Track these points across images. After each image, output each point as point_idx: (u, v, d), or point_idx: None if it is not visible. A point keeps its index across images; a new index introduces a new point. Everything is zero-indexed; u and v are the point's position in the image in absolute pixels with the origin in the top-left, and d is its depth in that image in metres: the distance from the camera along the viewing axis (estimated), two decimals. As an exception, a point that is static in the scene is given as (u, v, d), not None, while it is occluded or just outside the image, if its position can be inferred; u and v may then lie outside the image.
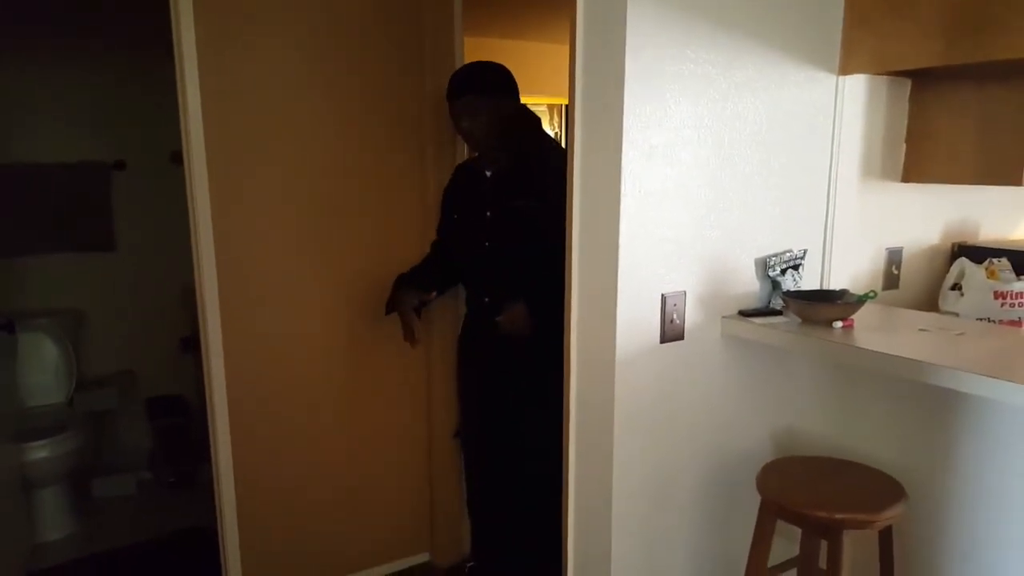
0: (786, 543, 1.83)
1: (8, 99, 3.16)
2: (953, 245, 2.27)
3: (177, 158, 2.22)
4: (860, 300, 1.73)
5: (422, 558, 2.73)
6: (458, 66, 2.43)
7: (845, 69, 1.92)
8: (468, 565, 2.60)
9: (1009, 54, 1.62)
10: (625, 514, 1.79)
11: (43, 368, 3.20)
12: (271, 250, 2.29)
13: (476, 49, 2.59)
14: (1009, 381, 1.32)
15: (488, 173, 2.31)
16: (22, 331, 3.08)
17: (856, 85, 1.97)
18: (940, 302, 2.15)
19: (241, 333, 2.26)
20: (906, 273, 2.19)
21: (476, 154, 2.37)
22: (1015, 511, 1.59)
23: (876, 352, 1.54)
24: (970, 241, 2.30)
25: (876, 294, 1.80)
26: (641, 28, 1.59)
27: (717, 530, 1.95)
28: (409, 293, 2.38)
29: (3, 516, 2.63)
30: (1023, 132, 1.90)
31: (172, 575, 2.73)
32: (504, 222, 2.26)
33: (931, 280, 2.24)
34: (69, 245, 3.36)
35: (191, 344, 3.17)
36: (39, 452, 2.87)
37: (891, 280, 2.15)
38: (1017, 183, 1.91)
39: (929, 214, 2.23)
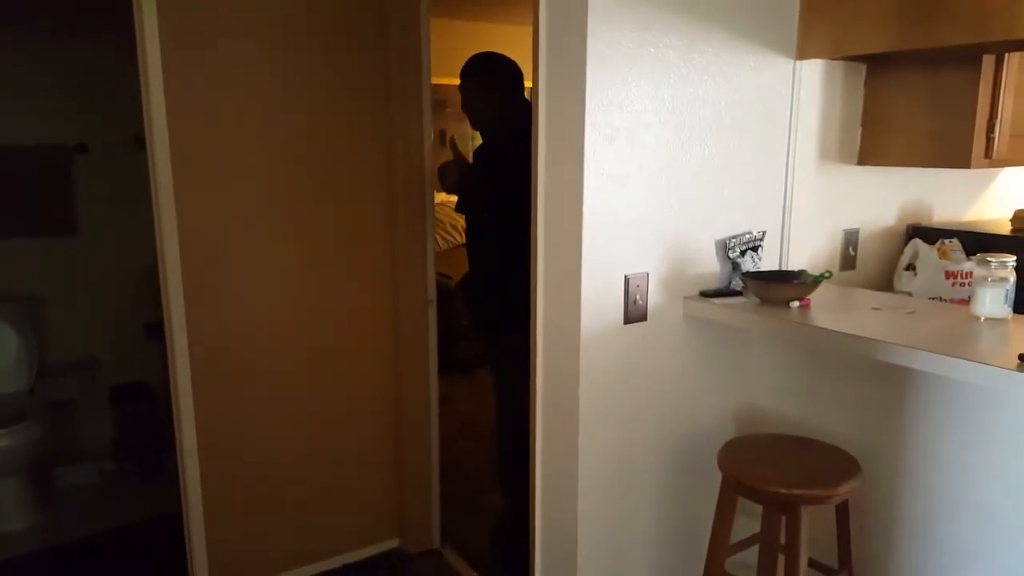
0: (749, 520, 1.88)
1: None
2: (908, 226, 2.33)
3: (140, 141, 2.19)
4: (815, 280, 1.78)
5: (391, 544, 2.75)
6: (424, 48, 2.43)
7: (802, 54, 1.95)
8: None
9: (958, 40, 1.66)
10: (590, 493, 1.82)
11: (3, 356, 3.13)
12: (235, 232, 2.27)
13: (444, 31, 2.59)
14: (953, 357, 1.37)
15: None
16: (-21, 319, 3.01)
17: (813, 70, 2.01)
18: (895, 282, 2.21)
19: (205, 317, 2.24)
20: (862, 254, 2.24)
21: None
22: (966, 484, 1.65)
23: (829, 330, 1.59)
24: (924, 223, 2.36)
25: (831, 274, 1.85)
26: (602, 12, 1.60)
27: (681, 507, 2.00)
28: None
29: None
30: (972, 116, 1.96)
31: (137, 564, 2.70)
32: (466, 199, 2.54)
33: (887, 260, 2.30)
34: (29, 229, 3.28)
35: (156, 329, 3.12)
36: (-1, 442, 2.82)
37: (848, 261, 2.20)
38: (966, 166, 1.97)
39: (885, 196, 2.29)
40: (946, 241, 2.15)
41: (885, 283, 2.27)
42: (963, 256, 2.11)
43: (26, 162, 3.22)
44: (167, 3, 2.03)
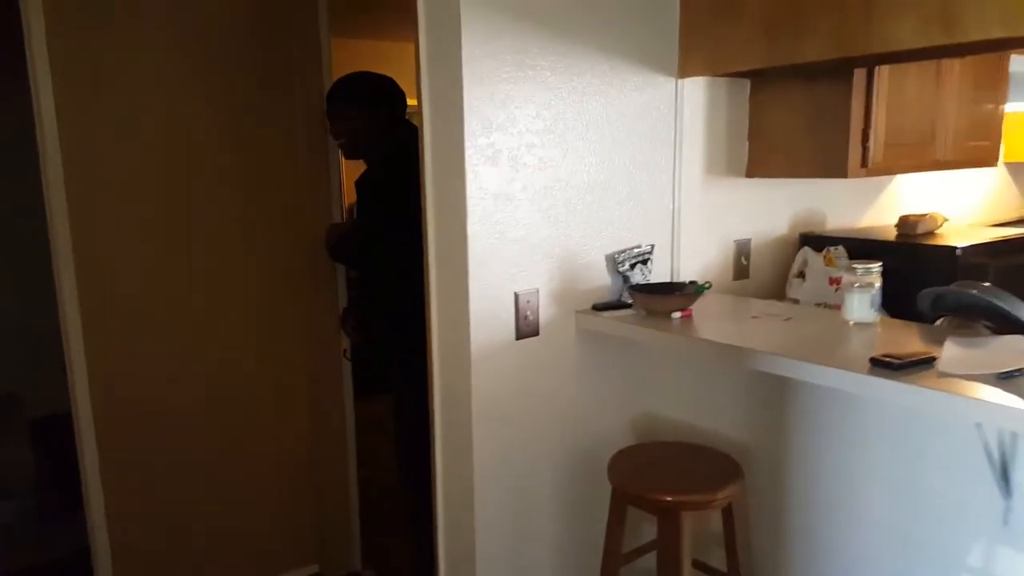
0: (651, 527, 1.91)
1: None
2: (800, 235, 2.41)
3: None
4: (696, 291, 1.83)
5: (310, 570, 2.71)
6: (326, 69, 2.44)
7: (684, 72, 2.02)
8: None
9: (819, 55, 1.74)
10: (487, 506, 1.84)
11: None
12: (136, 256, 2.25)
13: (348, 51, 2.57)
14: (808, 362, 1.43)
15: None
16: None
17: (696, 87, 2.07)
18: (787, 289, 2.28)
19: (109, 347, 2.21)
20: (756, 263, 2.31)
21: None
22: (840, 485, 1.71)
23: (699, 339, 1.64)
24: (816, 231, 2.45)
25: (711, 285, 1.90)
26: (476, 36, 1.63)
27: (580, 518, 2.02)
28: None
29: None
30: (847, 128, 2.04)
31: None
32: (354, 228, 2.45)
33: (781, 269, 2.38)
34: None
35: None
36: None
37: (741, 270, 2.27)
38: (843, 175, 2.06)
39: (776, 206, 2.37)
40: (831, 248, 2.23)
41: (778, 291, 2.34)
42: (847, 262, 2.19)
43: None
44: (56, 23, 2.01)
